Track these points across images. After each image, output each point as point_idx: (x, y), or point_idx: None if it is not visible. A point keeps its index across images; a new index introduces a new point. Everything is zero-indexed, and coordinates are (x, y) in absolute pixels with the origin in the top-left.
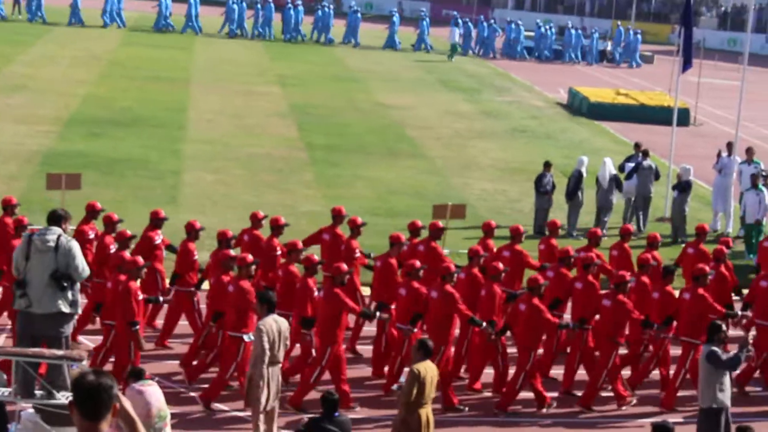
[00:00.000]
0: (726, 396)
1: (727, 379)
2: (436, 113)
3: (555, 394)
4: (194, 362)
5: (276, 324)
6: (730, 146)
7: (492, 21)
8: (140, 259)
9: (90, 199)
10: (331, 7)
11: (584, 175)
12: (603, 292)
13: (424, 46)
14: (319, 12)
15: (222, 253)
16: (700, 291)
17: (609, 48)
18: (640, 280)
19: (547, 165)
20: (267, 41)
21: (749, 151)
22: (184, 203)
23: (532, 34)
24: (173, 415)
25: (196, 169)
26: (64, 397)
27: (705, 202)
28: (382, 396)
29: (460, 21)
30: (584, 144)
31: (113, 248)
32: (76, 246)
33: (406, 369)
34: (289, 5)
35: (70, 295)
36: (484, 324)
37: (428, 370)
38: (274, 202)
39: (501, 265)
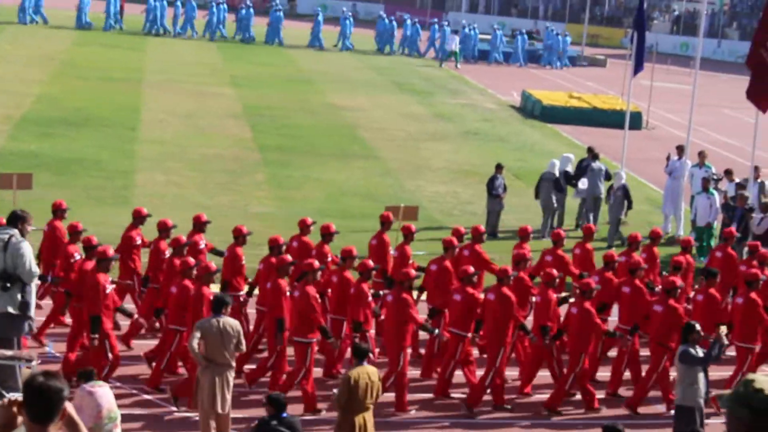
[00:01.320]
0: (699, 395)
1: (701, 379)
2: (389, 115)
3: (602, 396)
4: (248, 366)
5: (218, 324)
6: (680, 149)
7: (446, 23)
8: (213, 265)
9: (42, 198)
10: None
11: (555, 175)
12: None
13: (346, 45)
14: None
15: (280, 258)
16: (753, 296)
17: (560, 50)
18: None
19: (499, 167)
20: (220, 42)
21: (701, 155)
22: (135, 204)
23: (488, 37)
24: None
25: (148, 170)
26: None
27: (657, 205)
28: (434, 399)
29: (447, 28)
30: (537, 147)
31: (168, 253)
32: (26, 247)
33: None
34: (243, 6)
35: (18, 296)
36: (532, 334)
37: (363, 375)
38: (226, 203)
39: (555, 271)
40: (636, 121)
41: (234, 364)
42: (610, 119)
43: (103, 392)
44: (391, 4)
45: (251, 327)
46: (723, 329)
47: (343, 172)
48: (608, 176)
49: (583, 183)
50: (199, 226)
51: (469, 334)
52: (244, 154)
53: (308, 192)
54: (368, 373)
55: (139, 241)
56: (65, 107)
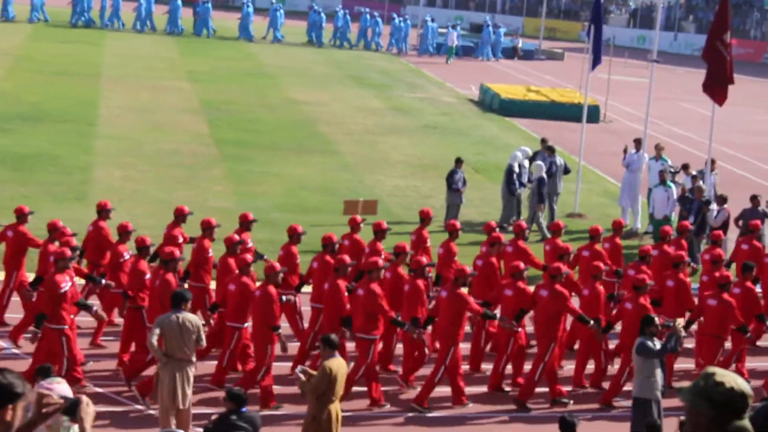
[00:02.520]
0: (655, 387)
1: (657, 372)
2: (347, 109)
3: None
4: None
5: (177, 319)
6: (638, 142)
7: (405, 17)
8: (277, 265)
9: None
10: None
11: (516, 170)
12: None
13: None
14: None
15: (339, 259)
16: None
17: (520, 45)
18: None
19: (458, 161)
20: (177, 36)
21: (657, 148)
22: (93, 199)
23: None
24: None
25: (105, 165)
26: None
27: (614, 198)
28: (487, 392)
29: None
30: (495, 140)
31: (211, 252)
32: None
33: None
34: (249, 5)
35: None
36: (592, 322)
37: (339, 367)
38: (184, 199)
39: (602, 265)
40: (594, 115)
41: (194, 359)
42: (568, 112)
43: (61, 389)
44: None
45: (306, 324)
46: (680, 321)
47: (302, 167)
48: (567, 170)
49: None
50: (246, 224)
51: (519, 329)
52: (202, 149)
53: (267, 187)
54: (340, 364)
55: (181, 239)
56: (21, 102)
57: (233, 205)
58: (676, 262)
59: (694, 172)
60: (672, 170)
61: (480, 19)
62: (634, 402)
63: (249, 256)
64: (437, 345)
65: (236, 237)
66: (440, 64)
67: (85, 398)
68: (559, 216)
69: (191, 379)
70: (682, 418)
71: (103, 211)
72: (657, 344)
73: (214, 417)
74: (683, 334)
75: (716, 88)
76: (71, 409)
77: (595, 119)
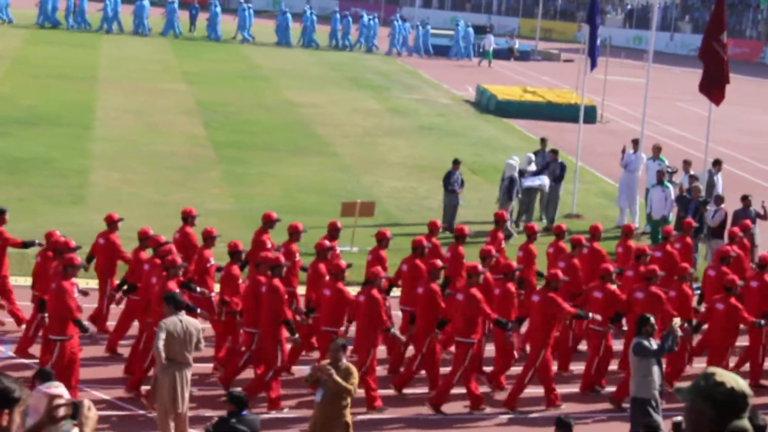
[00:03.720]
0: (653, 387)
1: (655, 371)
2: (344, 111)
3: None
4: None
5: (181, 323)
6: (635, 143)
7: (373, 16)
8: (282, 258)
9: None
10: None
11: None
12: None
13: (245, 37)
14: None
15: (431, 263)
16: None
17: (516, 46)
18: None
19: (456, 162)
20: (173, 39)
21: (656, 148)
22: (90, 203)
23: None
24: None
25: (102, 168)
26: None
27: (612, 198)
28: (581, 391)
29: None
30: (492, 141)
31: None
32: None
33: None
34: (216, 5)
35: None
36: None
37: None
38: (181, 201)
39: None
40: (590, 115)
41: (192, 362)
42: (565, 113)
43: (60, 393)
44: (345, 0)
45: (397, 329)
46: (676, 321)
47: (299, 168)
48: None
49: (540, 179)
50: (270, 224)
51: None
52: (199, 151)
53: (264, 188)
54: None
55: (269, 245)
56: (17, 106)
57: (231, 207)
58: (722, 256)
59: (692, 172)
60: (669, 170)
61: (477, 20)
62: (632, 402)
63: (343, 262)
64: (526, 347)
65: (326, 243)
66: (436, 66)
67: (86, 402)
68: (557, 217)
69: (189, 383)
70: (675, 418)
71: (189, 218)
72: (653, 344)
73: (214, 420)
74: (679, 333)
75: (713, 88)
76: (72, 412)
77: (591, 120)
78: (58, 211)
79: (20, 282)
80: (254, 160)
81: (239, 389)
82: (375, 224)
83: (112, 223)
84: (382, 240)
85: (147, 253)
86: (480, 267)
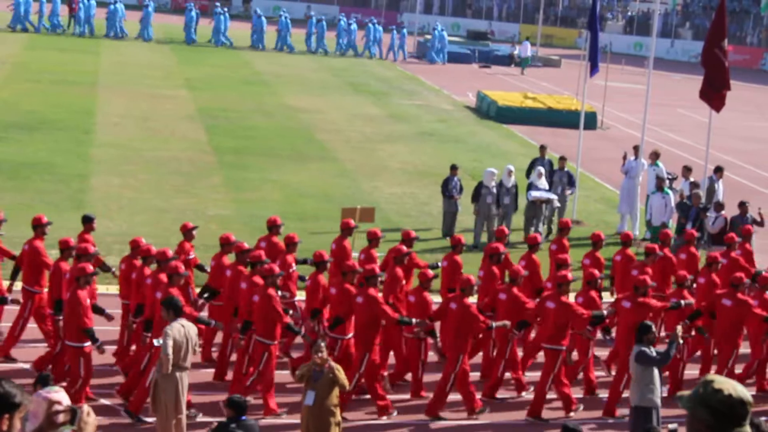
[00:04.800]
0: (656, 395)
1: (656, 379)
2: (344, 116)
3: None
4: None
5: (184, 329)
6: (636, 149)
7: (351, 20)
8: (276, 268)
9: None
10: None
11: (506, 185)
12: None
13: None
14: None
15: (514, 270)
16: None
17: (516, 52)
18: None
19: (454, 168)
20: (174, 44)
21: (653, 154)
22: (90, 208)
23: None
24: None
25: (102, 173)
26: None
27: (612, 205)
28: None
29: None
30: (492, 147)
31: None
32: None
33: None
34: (192, 9)
35: None
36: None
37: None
38: (182, 207)
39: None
40: (591, 121)
41: (190, 367)
42: (565, 119)
43: (60, 397)
44: (346, 6)
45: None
46: (678, 328)
47: (299, 174)
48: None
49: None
50: (275, 228)
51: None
52: (200, 156)
53: (265, 194)
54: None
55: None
56: (18, 111)
57: (232, 213)
58: (735, 283)
59: (692, 178)
60: (669, 177)
61: (478, 26)
62: (634, 411)
63: (430, 272)
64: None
65: (404, 248)
66: (437, 72)
67: (86, 407)
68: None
69: (187, 388)
70: (670, 425)
71: (274, 227)
72: (653, 351)
73: (213, 425)
74: (681, 341)
75: (713, 94)
76: (71, 418)
77: (592, 126)
78: (59, 217)
79: (101, 290)
80: (255, 165)
81: (238, 395)
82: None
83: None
84: (372, 239)
85: (228, 258)
86: (473, 279)
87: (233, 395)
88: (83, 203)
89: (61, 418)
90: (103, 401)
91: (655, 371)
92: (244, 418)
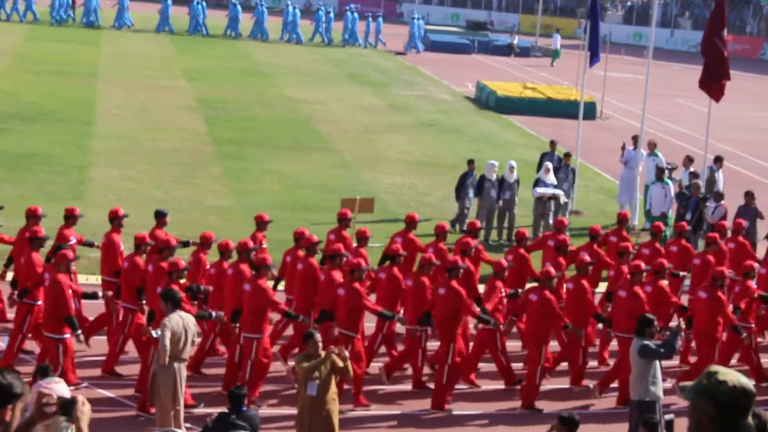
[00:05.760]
0: (658, 388)
1: (658, 372)
2: (344, 107)
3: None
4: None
5: (182, 320)
6: (635, 139)
7: (329, 9)
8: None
9: None
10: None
11: (508, 180)
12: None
13: (203, 31)
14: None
15: (580, 259)
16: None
17: (516, 42)
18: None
19: (471, 163)
20: (173, 35)
21: (651, 144)
22: (90, 199)
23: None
24: None
25: (102, 165)
26: None
27: (611, 195)
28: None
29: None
30: (492, 138)
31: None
32: None
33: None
34: (199, 3)
35: None
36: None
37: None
38: (182, 197)
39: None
40: (590, 111)
41: (187, 358)
42: (565, 109)
43: (59, 388)
44: None
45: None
46: (680, 320)
47: (299, 165)
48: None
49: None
50: (263, 225)
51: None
52: (199, 147)
53: (265, 185)
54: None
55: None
56: (18, 102)
57: (232, 204)
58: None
59: (692, 169)
60: (669, 167)
61: (477, 16)
62: (638, 405)
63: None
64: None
65: (471, 241)
66: (436, 62)
67: (80, 397)
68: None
69: (185, 379)
70: (667, 416)
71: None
72: (653, 345)
73: (213, 415)
74: (683, 333)
75: (713, 84)
76: (67, 408)
77: (591, 116)
78: (58, 208)
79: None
80: (254, 156)
81: (239, 385)
82: (374, 220)
83: (116, 218)
84: (361, 239)
85: (302, 251)
86: (552, 272)
87: (233, 387)
88: (83, 194)
89: (50, 409)
90: (102, 392)
91: (657, 364)
92: (244, 408)
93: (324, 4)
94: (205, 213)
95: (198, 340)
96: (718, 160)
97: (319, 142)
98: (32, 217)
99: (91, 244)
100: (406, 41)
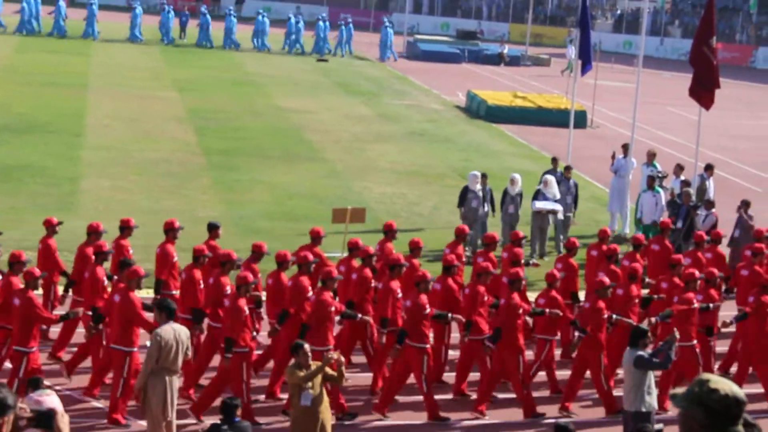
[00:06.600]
0: (653, 398)
1: (653, 382)
2: (335, 117)
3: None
4: None
5: (174, 332)
6: (626, 148)
7: (299, 17)
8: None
9: None
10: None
11: (511, 193)
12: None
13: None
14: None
15: (631, 267)
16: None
17: (506, 51)
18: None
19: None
20: (163, 46)
21: (650, 154)
22: (81, 210)
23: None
24: None
25: (93, 176)
26: None
27: (602, 203)
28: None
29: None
30: (482, 147)
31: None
32: None
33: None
34: (186, 11)
35: None
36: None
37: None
38: (172, 208)
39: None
40: (580, 120)
41: (180, 370)
42: (555, 118)
43: (51, 400)
44: (335, 6)
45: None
46: (675, 330)
47: (289, 175)
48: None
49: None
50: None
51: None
52: (190, 157)
53: (255, 195)
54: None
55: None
56: (8, 113)
57: (222, 214)
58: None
59: (683, 177)
60: (660, 175)
61: (467, 26)
62: (633, 416)
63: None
64: None
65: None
66: (426, 72)
67: (60, 409)
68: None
69: (177, 390)
70: (657, 426)
71: (389, 232)
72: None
73: (206, 427)
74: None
75: (703, 92)
76: (45, 421)
77: (582, 125)
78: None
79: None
80: (245, 166)
81: (231, 396)
82: (365, 230)
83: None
84: (414, 249)
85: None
86: (557, 274)
87: (227, 398)
88: (74, 206)
89: (23, 423)
90: (96, 404)
91: (651, 374)
92: (236, 419)
93: (307, 14)
94: (196, 224)
95: (191, 352)
96: (709, 168)
97: (309, 151)
98: (94, 233)
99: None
100: (380, 52)
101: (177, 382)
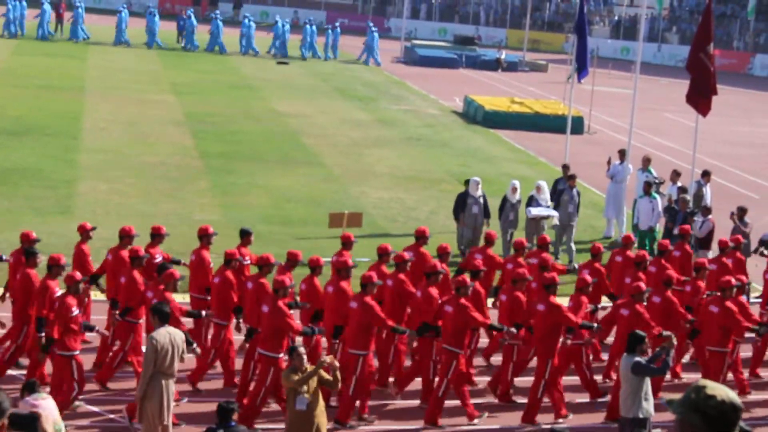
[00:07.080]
0: (650, 404)
1: (649, 388)
2: (332, 121)
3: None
4: None
5: (169, 336)
6: (622, 153)
7: (285, 22)
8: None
9: None
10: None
11: (511, 201)
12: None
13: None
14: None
15: (667, 272)
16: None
17: (503, 57)
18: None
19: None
20: (160, 50)
21: (645, 160)
22: (77, 213)
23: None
24: None
25: (90, 179)
26: None
27: (599, 209)
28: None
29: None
30: (479, 152)
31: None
32: None
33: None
34: (188, 15)
35: None
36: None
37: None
38: (169, 211)
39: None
40: (578, 126)
41: (176, 374)
42: (552, 124)
43: (47, 404)
44: (333, 11)
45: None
46: (672, 335)
47: (286, 179)
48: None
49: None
50: (207, 238)
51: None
52: (187, 161)
53: (252, 199)
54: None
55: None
56: (5, 116)
57: (219, 218)
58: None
59: (680, 183)
60: (656, 181)
61: (465, 31)
62: (631, 422)
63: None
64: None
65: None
66: (424, 77)
67: (43, 413)
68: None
69: (173, 394)
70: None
71: (422, 238)
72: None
73: (202, 430)
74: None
75: (700, 99)
76: (30, 424)
77: (579, 130)
78: (45, 222)
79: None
80: (242, 170)
81: (229, 400)
82: (362, 235)
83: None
84: (443, 254)
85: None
86: (588, 279)
87: (222, 401)
88: (71, 209)
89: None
90: (88, 406)
91: (648, 380)
92: (232, 424)
93: (310, 18)
94: (193, 227)
95: (186, 356)
96: (706, 174)
97: (306, 156)
98: (126, 236)
99: (177, 262)
100: (365, 55)
101: (173, 386)
